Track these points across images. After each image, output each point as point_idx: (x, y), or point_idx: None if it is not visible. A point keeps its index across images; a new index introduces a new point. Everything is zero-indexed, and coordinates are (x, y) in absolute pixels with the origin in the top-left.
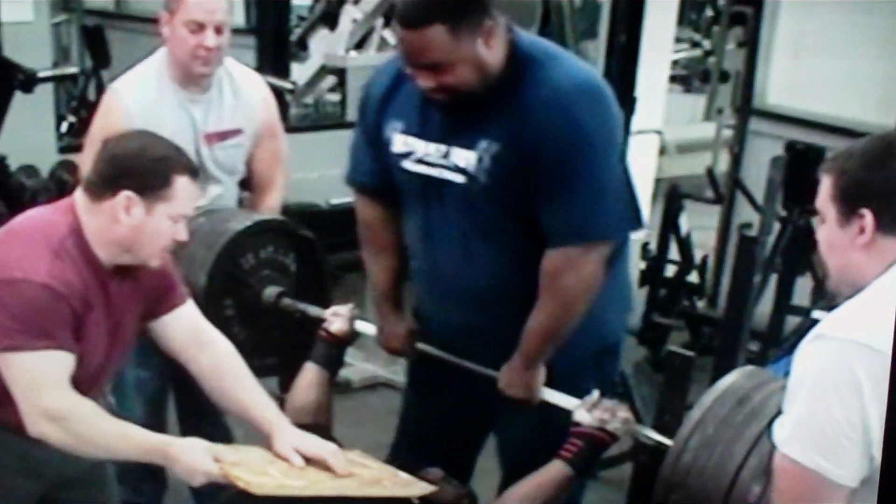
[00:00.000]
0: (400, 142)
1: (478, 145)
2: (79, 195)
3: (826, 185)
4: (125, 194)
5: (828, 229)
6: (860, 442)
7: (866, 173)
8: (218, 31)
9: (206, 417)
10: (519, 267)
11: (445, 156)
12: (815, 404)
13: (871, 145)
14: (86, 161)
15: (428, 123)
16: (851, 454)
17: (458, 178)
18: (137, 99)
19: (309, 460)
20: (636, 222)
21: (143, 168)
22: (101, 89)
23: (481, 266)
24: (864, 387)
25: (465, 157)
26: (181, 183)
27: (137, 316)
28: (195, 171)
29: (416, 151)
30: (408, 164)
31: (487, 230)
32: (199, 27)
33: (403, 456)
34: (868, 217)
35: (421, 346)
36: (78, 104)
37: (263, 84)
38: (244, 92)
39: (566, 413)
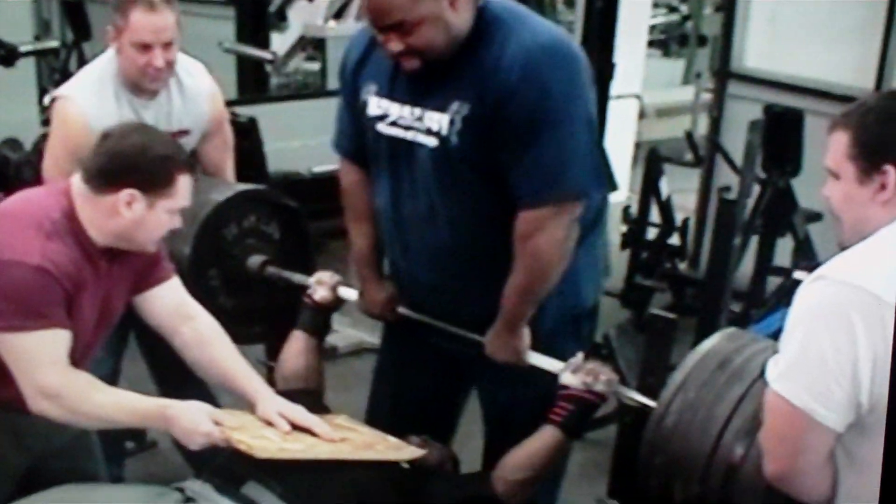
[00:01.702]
0: (374, 104)
1: (449, 107)
2: (76, 183)
3: (840, 143)
4: (128, 191)
5: (844, 186)
6: (849, 386)
7: (887, 129)
8: (166, 47)
9: (188, 388)
10: (487, 228)
11: (419, 119)
12: (809, 346)
13: (887, 100)
14: (49, 168)
15: (400, 86)
16: (840, 398)
17: (431, 141)
18: (92, 105)
19: (296, 427)
20: (610, 185)
21: (147, 167)
22: (82, 62)
23: (448, 227)
24: (858, 332)
25: (437, 120)
26: (182, 180)
27: (125, 293)
28: (193, 167)
29: (389, 114)
30: (382, 127)
31: (457, 192)
32: (147, 47)
33: (381, 421)
34: (891, 173)
35: (402, 310)
36: (60, 77)
37: (209, 79)
38: (191, 91)
39: (547, 376)
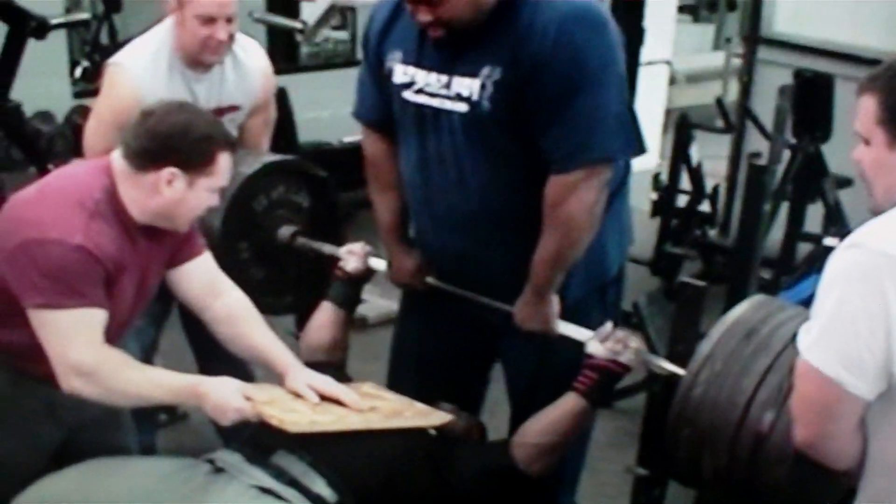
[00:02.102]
0: (400, 72)
1: (480, 72)
2: (117, 160)
3: (870, 107)
4: (169, 170)
5: (875, 151)
6: (882, 356)
7: None
8: (229, 21)
9: (222, 359)
10: (517, 195)
11: (447, 85)
12: (841, 315)
13: None
14: (91, 135)
15: (427, 52)
16: (871, 368)
17: (461, 107)
18: (145, 75)
19: (324, 398)
20: (639, 147)
21: (189, 146)
22: (113, 34)
23: (478, 194)
24: (890, 301)
25: (467, 86)
26: (223, 159)
27: (161, 271)
28: (234, 145)
29: (416, 81)
30: (408, 95)
31: (487, 158)
32: (211, 20)
33: (405, 392)
34: None
35: (431, 280)
36: (91, 49)
37: (264, 56)
38: (245, 68)
39: (573, 344)
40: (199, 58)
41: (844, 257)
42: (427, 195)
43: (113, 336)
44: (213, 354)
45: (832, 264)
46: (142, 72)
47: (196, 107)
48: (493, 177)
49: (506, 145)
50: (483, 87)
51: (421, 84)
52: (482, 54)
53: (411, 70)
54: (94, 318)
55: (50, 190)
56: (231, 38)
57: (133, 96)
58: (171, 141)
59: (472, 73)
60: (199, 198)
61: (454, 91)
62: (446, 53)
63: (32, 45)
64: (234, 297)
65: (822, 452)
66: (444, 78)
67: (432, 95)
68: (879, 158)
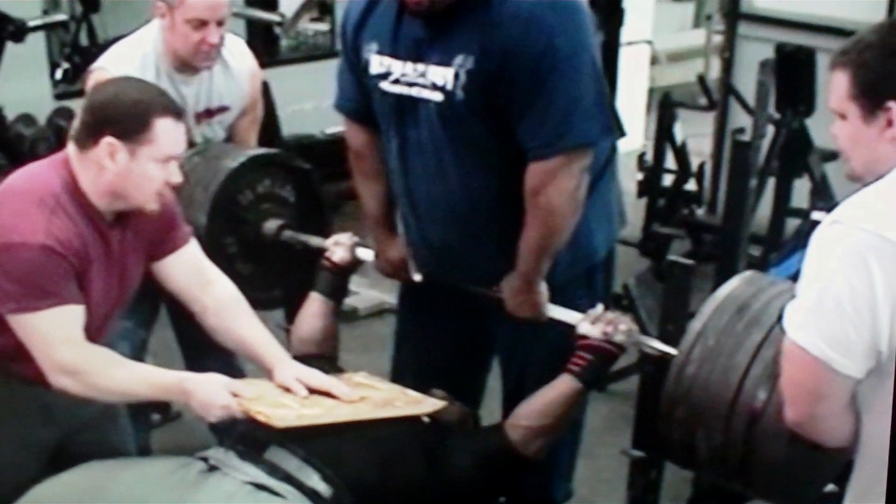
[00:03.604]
0: (377, 62)
1: (453, 61)
2: (70, 148)
3: (842, 82)
4: (106, 141)
5: (851, 126)
6: (868, 335)
7: (887, 65)
8: (220, 24)
9: (210, 356)
10: (497, 184)
11: (423, 74)
12: (826, 293)
13: (884, 34)
14: None
15: (403, 42)
16: (858, 346)
17: (436, 97)
18: None
19: (313, 391)
20: (617, 131)
21: (121, 113)
22: (92, 34)
23: (457, 184)
24: (875, 278)
25: (441, 75)
26: (162, 124)
27: (141, 262)
28: (178, 112)
29: (392, 72)
30: (385, 85)
31: (465, 147)
32: (202, 24)
33: (407, 385)
34: (895, 109)
35: (417, 277)
36: (71, 50)
37: (250, 56)
38: (233, 69)
39: (565, 330)
40: (191, 62)
41: (828, 234)
42: (408, 185)
43: (96, 330)
44: (202, 352)
45: (816, 241)
46: (126, 74)
47: (137, 78)
48: (472, 165)
49: (482, 134)
50: (457, 76)
51: (397, 74)
52: (455, 43)
53: (387, 60)
54: (71, 316)
55: (9, 192)
56: (222, 41)
57: None
58: (104, 110)
59: (446, 63)
60: (147, 170)
61: (429, 80)
62: (421, 42)
63: (11, 49)
64: (223, 288)
65: (814, 431)
66: (420, 67)
67: (409, 85)
68: (855, 133)
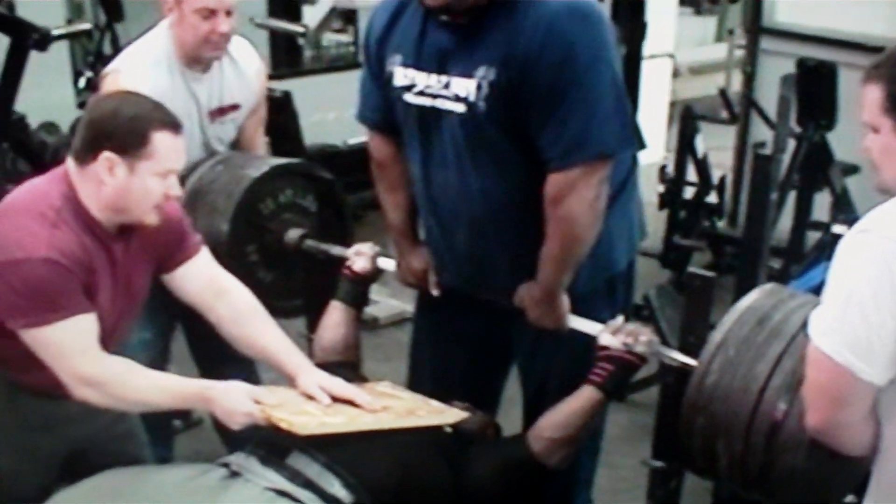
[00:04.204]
0: (400, 74)
1: (476, 73)
2: (69, 162)
3: (875, 96)
4: (105, 156)
5: (883, 139)
6: (891, 343)
7: None
8: (228, 13)
9: (228, 366)
10: (518, 193)
11: (446, 86)
12: (851, 302)
13: None
14: None
15: (426, 54)
16: (882, 355)
17: (459, 108)
18: (145, 78)
19: (336, 399)
20: (638, 143)
21: (119, 128)
22: (115, 43)
23: (479, 193)
24: None
25: (464, 86)
26: (160, 139)
27: (148, 273)
28: (176, 126)
29: (416, 84)
30: (409, 97)
31: (488, 158)
32: (211, 13)
33: (423, 390)
34: None
35: (435, 292)
36: (94, 59)
37: (257, 56)
38: (241, 67)
39: (585, 340)
40: (201, 54)
41: (854, 242)
42: (431, 195)
43: (109, 341)
44: (218, 363)
45: (842, 249)
46: (141, 74)
47: (135, 93)
48: (495, 175)
49: (504, 144)
50: (479, 87)
51: (421, 86)
52: (477, 54)
53: (411, 73)
54: (84, 326)
55: (10, 208)
56: (231, 31)
57: None
58: (102, 125)
59: (469, 74)
60: (146, 184)
61: (453, 92)
62: (444, 54)
63: (35, 57)
64: (239, 296)
65: (835, 439)
66: (443, 78)
67: (433, 97)
68: (888, 146)
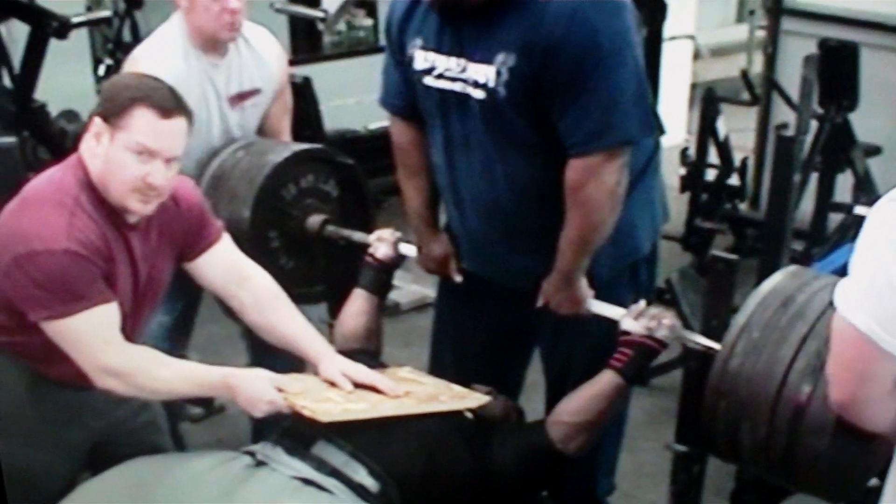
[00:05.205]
0: (421, 58)
1: (495, 59)
2: (83, 144)
3: None
4: (95, 121)
5: None
6: None
7: None
8: None
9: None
10: (539, 179)
11: (464, 70)
12: (878, 271)
13: None
14: None
15: (446, 38)
16: None
17: (478, 94)
18: (160, 65)
19: (358, 385)
20: (658, 129)
21: (109, 94)
22: (135, 31)
23: (501, 179)
24: None
25: (483, 72)
26: (141, 113)
27: (170, 261)
28: (166, 109)
29: (436, 67)
30: (429, 80)
31: (508, 144)
32: None
33: (445, 375)
34: None
35: (457, 277)
36: (114, 47)
37: (275, 41)
38: (260, 52)
39: (607, 323)
40: (216, 36)
41: (884, 212)
42: (452, 179)
43: (130, 330)
44: (269, 347)
45: (872, 219)
46: (157, 61)
47: (151, 76)
48: (516, 161)
49: (525, 130)
50: (498, 73)
51: (441, 69)
52: (497, 40)
53: (431, 56)
54: (105, 316)
55: (29, 198)
56: (243, 9)
57: None
58: (102, 94)
59: (488, 60)
60: (122, 158)
61: (471, 78)
62: (464, 38)
63: (55, 45)
64: (261, 283)
65: (857, 415)
66: (462, 62)
67: (453, 80)
68: None
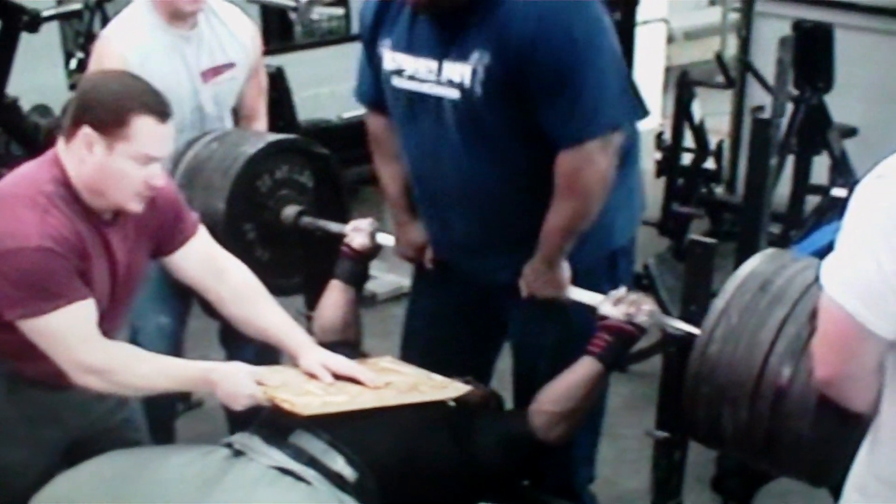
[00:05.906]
0: (389, 58)
1: (471, 57)
2: (59, 142)
3: None
4: (84, 130)
5: None
6: None
7: None
8: None
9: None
10: (512, 177)
11: (438, 72)
12: (864, 250)
13: None
14: None
15: (417, 39)
16: (893, 306)
17: (453, 94)
18: (131, 45)
19: (338, 377)
20: (642, 111)
21: (99, 103)
22: (105, 23)
23: (473, 179)
24: None
25: (458, 72)
26: (141, 123)
27: (146, 257)
28: (163, 113)
29: (404, 68)
30: (397, 82)
31: (481, 143)
32: None
33: (414, 360)
34: None
35: (430, 266)
36: (85, 40)
37: (248, 19)
38: (230, 24)
39: (579, 316)
40: (179, 6)
41: (871, 188)
42: (424, 181)
43: (107, 327)
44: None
45: (858, 195)
46: (126, 36)
47: (130, 73)
48: (489, 161)
49: (499, 129)
50: (474, 72)
51: (410, 71)
52: (471, 39)
53: (399, 57)
54: (82, 313)
55: (1, 196)
56: None
57: (119, 60)
58: (84, 99)
59: (463, 58)
60: (123, 168)
61: (445, 77)
62: (436, 39)
63: (26, 39)
64: (238, 275)
65: (841, 392)
66: (433, 64)
67: (422, 82)
68: None
